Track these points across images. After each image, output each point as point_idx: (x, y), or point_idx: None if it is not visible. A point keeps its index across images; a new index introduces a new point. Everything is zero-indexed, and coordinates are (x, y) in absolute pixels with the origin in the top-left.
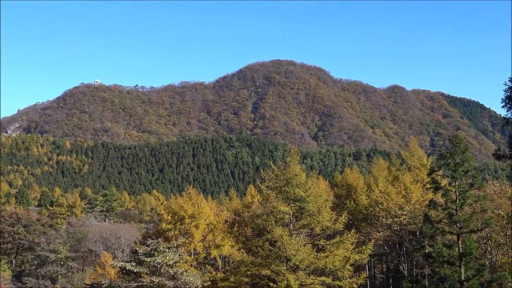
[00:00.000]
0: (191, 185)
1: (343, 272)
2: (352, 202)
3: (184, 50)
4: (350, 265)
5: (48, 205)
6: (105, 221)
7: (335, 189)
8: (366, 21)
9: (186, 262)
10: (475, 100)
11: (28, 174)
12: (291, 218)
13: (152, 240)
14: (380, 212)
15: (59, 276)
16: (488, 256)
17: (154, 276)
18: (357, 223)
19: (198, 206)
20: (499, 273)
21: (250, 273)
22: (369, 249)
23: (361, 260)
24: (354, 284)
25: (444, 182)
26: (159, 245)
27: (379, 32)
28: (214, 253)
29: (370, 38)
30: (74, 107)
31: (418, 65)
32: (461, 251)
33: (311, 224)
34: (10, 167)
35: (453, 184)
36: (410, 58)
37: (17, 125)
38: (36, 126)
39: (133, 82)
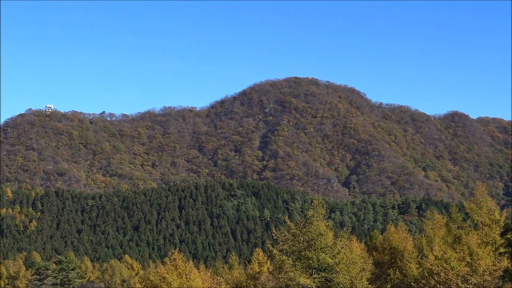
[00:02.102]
0: (177, 249)
1: None
2: (397, 272)
3: (167, 65)
4: None
5: None
6: None
7: (374, 254)
8: (412, 28)
9: None
10: None
11: None
12: None
13: None
14: (436, 286)
15: None
16: None
17: None
18: None
19: (186, 278)
20: None
21: None
22: None
23: None
24: None
25: None
26: None
27: (431, 41)
28: None
29: (419, 50)
30: (18, 141)
31: (486, 87)
32: None
33: None
34: None
35: None
36: (474, 77)
37: None
38: None
39: (99, 109)
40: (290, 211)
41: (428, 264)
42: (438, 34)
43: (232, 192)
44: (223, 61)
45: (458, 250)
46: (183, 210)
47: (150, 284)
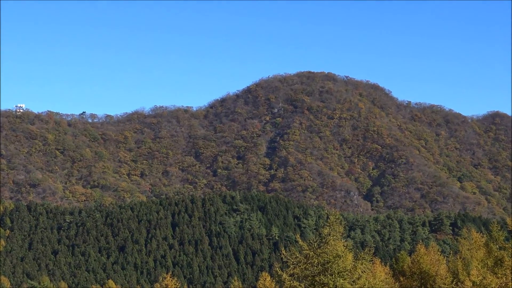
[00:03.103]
0: (170, 273)
1: None
2: None
3: (158, 59)
4: None
5: None
6: None
7: (402, 279)
8: (445, 20)
9: None
10: None
11: None
12: None
13: None
14: None
15: None
16: None
17: None
18: None
19: None
20: None
21: None
22: None
23: None
24: None
25: None
26: None
27: (467, 34)
28: None
29: (452, 43)
30: None
31: None
32: None
33: None
34: None
35: None
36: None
37: None
38: None
39: (78, 109)
40: (302, 228)
41: None
42: (476, 26)
43: (235, 207)
44: (224, 54)
45: (499, 275)
46: (177, 228)
47: None
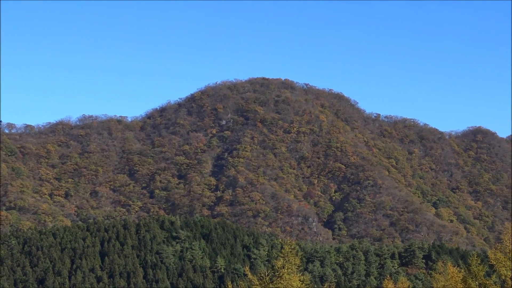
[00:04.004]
0: None
1: None
2: None
3: (87, 59)
4: None
5: None
6: None
7: None
8: (421, 24)
9: None
10: None
11: None
12: None
13: None
14: None
15: None
16: None
17: None
18: None
19: None
20: None
21: None
22: None
23: None
24: None
25: None
26: None
27: (445, 39)
28: None
29: (429, 49)
30: None
31: None
32: None
33: None
34: None
35: None
36: (502, 85)
37: None
38: None
39: None
40: (252, 260)
41: None
42: (454, 31)
43: (174, 234)
44: (164, 56)
45: None
46: (106, 257)
47: None
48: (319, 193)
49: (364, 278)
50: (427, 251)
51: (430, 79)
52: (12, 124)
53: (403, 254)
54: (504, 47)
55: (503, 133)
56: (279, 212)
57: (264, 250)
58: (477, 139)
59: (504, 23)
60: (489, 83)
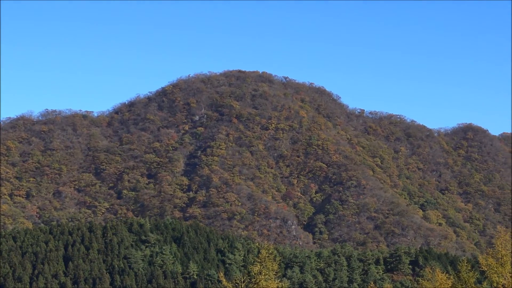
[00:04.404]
0: None
1: None
2: None
3: (50, 51)
4: None
5: None
6: None
7: None
8: (408, 15)
9: None
10: None
11: None
12: None
13: None
14: None
15: None
16: None
17: None
18: None
19: None
20: None
21: None
22: None
23: None
24: None
25: None
26: None
27: (432, 32)
28: None
29: (416, 39)
30: None
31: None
32: None
33: None
34: None
35: None
36: (494, 80)
37: None
38: None
39: None
40: (227, 265)
41: None
42: (442, 23)
43: (143, 237)
44: (133, 46)
45: None
46: (70, 262)
47: None
48: (299, 194)
49: (346, 285)
50: (414, 256)
51: (418, 73)
52: None
53: (389, 259)
54: (496, 39)
55: (495, 131)
56: (256, 214)
57: (239, 255)
58: (468, 137)
59: (488, 15)
60: (481, 77)
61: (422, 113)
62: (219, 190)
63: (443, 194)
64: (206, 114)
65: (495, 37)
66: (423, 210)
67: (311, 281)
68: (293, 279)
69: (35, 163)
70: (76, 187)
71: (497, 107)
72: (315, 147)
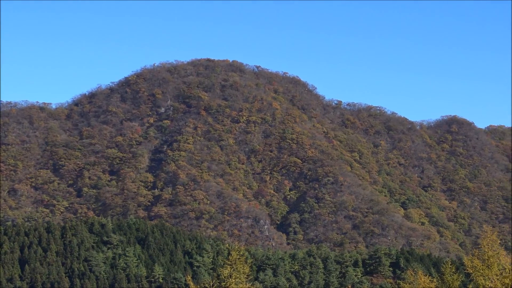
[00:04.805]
0: None
1: None
2: None
3: (7, 42)
4: None
5: None
6: None
7: None
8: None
9: None
10: None
11: None
12: None
13: None
14: None
15: None
16: None
17: None
18: None
19: None
20: None
21: None
22: None
23: None
24: None
25: None
26: None
27: (415, 16)
28: None
29: (395, 28)
30: None
31: (497, 84)
32: None
33: None
34: None
35: None
36: (479, 70)
37: None
38: None
39: None
40: (195, 268)
41: None
42: (422, 10)
43: (105, 238)
44: (94, 34)
45: None
46: (26, 266)
47: None
48: (272, 191)
49: None
50: (394, 257)
51: (399, 62)
52: None
53: (368, 261)
54: (479, 27)
55: (481, 123)
56: (225, 213)
57: (208, 257)
58: (452, 130)
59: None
60: (465, 67)
61: (403, 105)
62: (187, 187)
63: (425, 191)
64: (173, 106)
65: (478, 24)
66: (405, 209)
67: (285, 285)
68: (265, 283)
69: None
70: (33, 184)
71: (484, 98)
72: (289, 141)
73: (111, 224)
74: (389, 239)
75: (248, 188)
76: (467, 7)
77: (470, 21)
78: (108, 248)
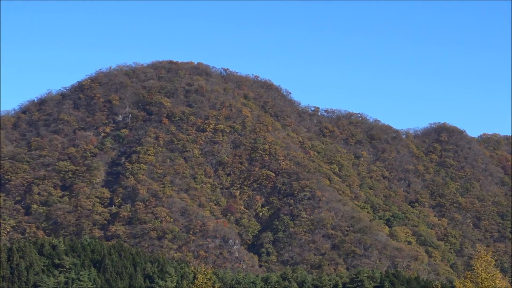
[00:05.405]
0: None
1: None
2: None
3: None
4: None
5: None
6: None
7: None
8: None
9: None
10: None
11: None
12: None
13: None
14: None
15: None
16: None
17: None
18: None
19: None
20: None
21: None
22: None
23: None
24: None
25: None
26: None
27: (399, 14)
28: None
29: (378, 27)
30: None
31: (490, 91)
32: None
33: None
34: None
35: None
36: (472, 76)
37: None
38: None
39: None
40: None
41: None
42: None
43: (57, 261)
44: (43, 35)
45: None
46: None
47: None
48: (242, 208)
49: None
50: (378, 281)
51: (382, 65)
52: None
53: (349, 285)
54: (468, 27)
55: (473, 132)
56: (191, 232)
57: (172, 281)
58: (442, 139)
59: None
60: (456, 71)
61: (388, 112)
62: (147, 204)
63: (412, 207)
64: (131, 113)
65: (466, 25)
66: (389, 226)
67: None
68: None
69: None
70: None
71: (476, 104)
72: (261, 152)
73: (63, 245)
74: (372, 261)
75: (215, 205)
76: (455, 6)
77: (460, 20)
78: (60, 272)
